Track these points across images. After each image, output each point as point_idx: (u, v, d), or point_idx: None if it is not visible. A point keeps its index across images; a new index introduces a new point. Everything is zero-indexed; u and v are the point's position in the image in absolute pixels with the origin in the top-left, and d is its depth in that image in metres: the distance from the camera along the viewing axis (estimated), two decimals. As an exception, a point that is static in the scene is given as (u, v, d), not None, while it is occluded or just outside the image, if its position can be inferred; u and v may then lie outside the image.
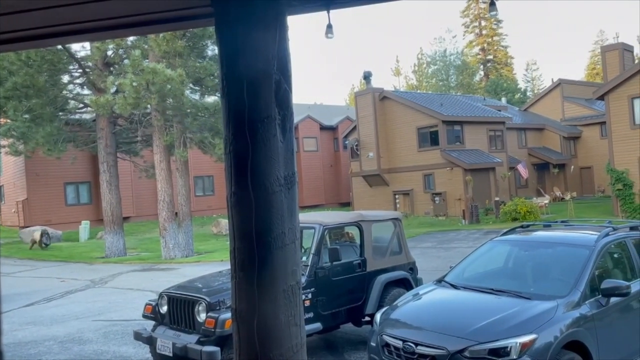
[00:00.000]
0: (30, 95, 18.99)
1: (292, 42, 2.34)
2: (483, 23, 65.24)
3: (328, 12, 2.50)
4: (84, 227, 26.09)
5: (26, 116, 19.62)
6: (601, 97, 25.22)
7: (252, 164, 2.11)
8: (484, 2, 62.09)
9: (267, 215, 2.11)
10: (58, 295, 12.82)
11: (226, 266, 8.90)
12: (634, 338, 5.52)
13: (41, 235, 22.35)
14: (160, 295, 6.96)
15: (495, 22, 64.83)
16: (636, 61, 28.62)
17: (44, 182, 28.25)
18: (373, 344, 5.54)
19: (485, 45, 66.05)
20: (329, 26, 2.65)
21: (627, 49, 28.98)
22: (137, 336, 6.83)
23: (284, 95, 2.19)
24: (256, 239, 2.11)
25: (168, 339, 6.39)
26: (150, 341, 6.63)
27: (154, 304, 6.99)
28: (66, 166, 26.61)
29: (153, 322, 7.03)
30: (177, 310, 6.61)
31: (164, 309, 6.80)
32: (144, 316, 7.14)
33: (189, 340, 6.22)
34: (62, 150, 21.04)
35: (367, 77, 33.40)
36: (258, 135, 2.12)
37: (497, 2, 2.87)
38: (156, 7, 2.42)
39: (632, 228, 6.51)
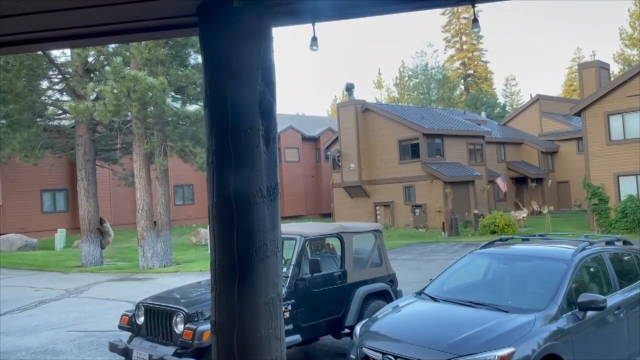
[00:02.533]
0: (7, 101, 18.66)
1: (276, 52, 2.33)
2: (464, 38, 66.21)
3: (313, 25, 2.50)
4: (60, 235, 25.61)
5: (3, 121, 19.27)
6: (578, 114, 25.70)
7: (235, 175, 2.09)
8: (465, 18, 63.07)
9: (249, 226, 2.09)
10: (32, 305, 12.53)
11: (205, 276, 8.81)
12: (609, 352, 5.59)
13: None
14: (137, 306, 6.85)
15: (475, 38, 65.83)
16: (612, 79, 29.25)
17: (19, 188, 27.70)
18: (352, 356, 5.52)
19: (465, 60, 66.97)
20: (314, 39, 2.65)
21: (604, 66, 29.60)
22: (113, 347, 6.70)
23: (268, 106, 2.18)
24: (237, 251, 2.08)
25: (144, 351, 6.28)
26: (126, 353, 6.51)
27: (130, 314, 6.88)
28: (43, 173, 26.15)
29: (129, 334, 6.90)
30: (154, 321, 6.51)
31: (141, 319, 6.69)
32: (120, 327, 7.02)
33: (166, 352, 6.11)
34: (40, 157, 20.67)
35: (349, 88, 33.60)
36: (241, 146, 2.11)
37: (478, 19, 2.92)
38: (140, 15, 2.40)
39: (608, 242, 6.62)
